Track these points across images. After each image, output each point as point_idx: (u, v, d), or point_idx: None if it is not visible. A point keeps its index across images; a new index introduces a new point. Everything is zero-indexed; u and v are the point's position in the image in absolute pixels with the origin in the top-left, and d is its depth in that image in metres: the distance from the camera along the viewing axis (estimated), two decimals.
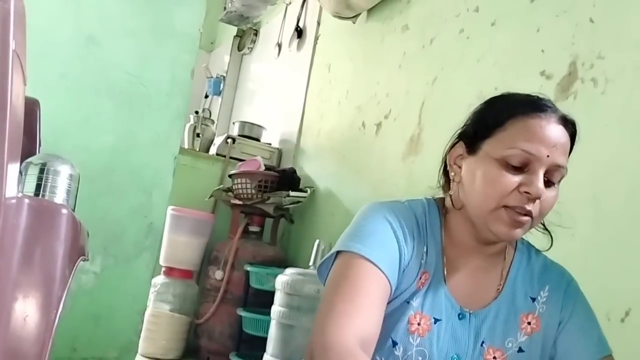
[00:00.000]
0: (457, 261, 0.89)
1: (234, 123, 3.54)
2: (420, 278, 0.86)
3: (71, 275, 0.84)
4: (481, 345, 0.85)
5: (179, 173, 2.78)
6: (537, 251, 0.96)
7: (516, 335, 0.87)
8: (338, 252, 0.84)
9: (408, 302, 0.85)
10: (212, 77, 4.22)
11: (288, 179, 2.83)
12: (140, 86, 1.81)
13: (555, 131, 0.82)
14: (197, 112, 3.65)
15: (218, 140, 3.24)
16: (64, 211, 0.83)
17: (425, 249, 0.88)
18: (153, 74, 1.82)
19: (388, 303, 0.83)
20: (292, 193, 2.75)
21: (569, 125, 0.85)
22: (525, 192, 0.80)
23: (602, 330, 0.91)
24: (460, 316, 0.86)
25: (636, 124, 1.40)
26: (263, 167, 2.89)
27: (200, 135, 3.35)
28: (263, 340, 2.26)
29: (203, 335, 2.72)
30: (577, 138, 0.86)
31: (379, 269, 0.80)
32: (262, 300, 2.44)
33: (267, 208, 2.75)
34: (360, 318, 0.76)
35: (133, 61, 1.82)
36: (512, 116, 0.84)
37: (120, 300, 1.75)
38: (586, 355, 0.86)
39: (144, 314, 1.82)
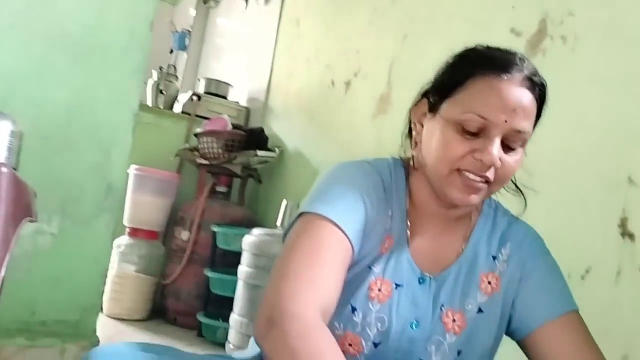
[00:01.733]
0: (420, 225, 0.87)
1: (199, 80, 3.44)
2: (384, 243, 0.83)
3: (15, 236, 0.79)
4: (440, 308, 0.83)
5: (141, 131, 2.69)
6: (505, 212, 0.93)
7: (476, 296, 0.85)
8: (301, 214, 0.81)
9: (370, 268, 0.82)
10: (176, 31, 4.07)
11: (256, 139, 2.77)
12: (96, 38, 1.71)
13: (517, 94, 0.76)
14: (161, 68, 3.53)
15: (183, 98, 3.14)
16: (4, 170, 0.78)
17: (390, 213, 0.85)
18: (109, 26, 1.72)
19: (350, 268, 0.80)
20: (259, 153, 2.70)
21: (536, 86, 0.79)
22: (479, 159, 0.77)
23: (568, 285, 0.89)
24: (421, 280, 0.84)
25: (604, 81, 1.38)
26: (230, 126, 2.82)
27: (164, 92, 3.24)
28: (230, 300, 2.26)
29: (170, 296, 2.70)
30: (547, 96, 0.81)
31: (343, 231, 0.77)
32: (229, 261, 2.42)
33: (235, 168, 2.70)
34: (322, 284, 0.72)
35: (88, 12, 1.71)
36: (471, 75, 0.78)
37: (80, 262, 1.70)
38: (546, 310, 0.83)
39: (105, 275, 1.77)
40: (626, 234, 1.27)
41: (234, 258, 2.29)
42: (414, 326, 0.82)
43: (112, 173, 1.75)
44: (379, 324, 0.81)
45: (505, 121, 0.76)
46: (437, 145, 0.79)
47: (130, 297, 2.65)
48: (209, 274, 2.47)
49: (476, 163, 0.77)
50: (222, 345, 2.28)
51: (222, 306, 2.40)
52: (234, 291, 2.24)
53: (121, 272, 2.66)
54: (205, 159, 2.75)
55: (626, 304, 1.23)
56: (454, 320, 0.83)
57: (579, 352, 0.81)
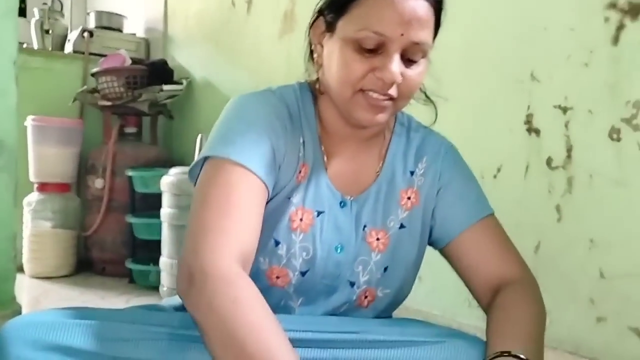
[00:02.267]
0: (335, 149, 0.85)
1: (89, 14, 3.15)
2: (300, 172, 0.81)
3: None
4: (363, 229, 0.83)
5: (30, 78, 2.47)
6: (418, 124, 0.92)
7: (397, 213, 0.85)
8: (206, 158, 0.76)
9: (289, 199, 0.80)
10: None
11: (159, 72, 2.60)
12: None
13: (411, 5, 0.72)
14: (45, 4, 3.19)
15: (73, 36, 2.87)
16: None
17: (302, 140, 0.82)
18: None
19: (267, 202, 0.78)
20: (165, 87, 2.55)
21: None
22: (380, 78, 0.74)
23: (482, 191, 0.90)
24: (342, 204, 0.83)
25: None
26: (129, 61, 2.63)
27: (50, 31, 2.94)
28: (157, 244, 2.20)
29: (94, 247, 2.61)
30: (443, 6, 0.78)
31: (253, 172, 0.74)
32: (151, 204, 2.34)
33: (141, 106, 2.54)
34: (237, 232, 0.70)
35: None
36: None
37: None
38: (463, 218, 0.85)
39: (14, 238, 1.65)
40: (532, 130, 1.31)
41: (155, 200, 2.22)
42: (338, 250, 0.82)
43: (0, 129, 1.59)
44: (304, 253, 0.80)
45: (402, 35, 0.72)
46: (337, 67, 0.76)
47: (51, 254, 2.54)
48: (131, 220, 2.39)
49: (378, 82, 0.74)
50: (155, 288, 2.24)
51: (150, 250, 2.34)
52: (159, 234, 2.19)
53: (36, 230, 2.52)
54: (108, 100, 2.57)
55: (535, 196, 1.30)
56: (377, 239, 0.84)
57: (493, 254, 0.84)
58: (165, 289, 2.15)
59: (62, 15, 3.13)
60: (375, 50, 0.74)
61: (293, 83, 0.87)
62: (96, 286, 2.43)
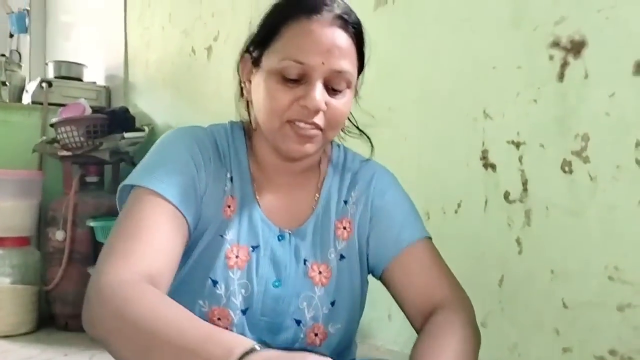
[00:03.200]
0: (268, 183, 0.85)
1: (48, 64, 3.13)
2: (229, 206, 0.81)
3: None
4: (304, 263, 0.82)
5: None
6: (355, 156, 0.93)
7: (335, 244, 0.85)
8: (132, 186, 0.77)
9: (222, 236, 0.79)
10: (12, 12, 3.65)
11: (120, 120, 2.59)
12: None
13: (329, 34, 0.75)
14: (3, 56, 3.16)
15: (31, 87, 2.84)
16: None
17: (228, 175, 0.82)
18: None
19: (198, 238, 0.78)
20: (127, 135, 2.54)
21: (349, 24, 0.77)
22: (304, 106, 0.75)
23: (419, 215, 0.89)
24: (280, 237, 0.82)
25: (449, 21, 1.42)
26: (89, 110, 2.61)
27: (7, 83, 2.91)
28: None
29: (56, 302, 2.52)
30: (365, 37, 0.80)
31: (167, 199, 0.74)
32: None
33: (102, 155, 2.51)
34: (143, 254, 0.69)
35: None
36: (284, 22, 0.77)
37: None
38: (394, 243, 0.84)
39: None
40: (488, 165, 1.34)
41: None
42: (276, 284, 0.80)
43: None
44: (243, 290, 0.79)
45: (323, 63, 0.74)
46: (264, 99, 0.77)
47: (11, 311, 2.44)
48: (93, 271, 2.32)
49: (302, 110, 0.76)
50: None
51: None
52: None
53: None
54: (68, 149, 2.53)
55: (495, 229, 1.31)
56: (320, 272, 0.83)
57: (423, 278, 0.83)
58: None
59: (20, 67, 3.11)
60: (298, 81, 0.76)
61: (225, 122, 0.88)
62: (59, 343, 2.33)
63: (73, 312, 2.46)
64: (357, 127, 0.90)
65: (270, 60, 0.77)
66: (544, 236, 1.22)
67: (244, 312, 0.78)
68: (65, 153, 2.54)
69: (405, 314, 0.86)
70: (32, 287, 2.50)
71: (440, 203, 1.44)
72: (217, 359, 0.53)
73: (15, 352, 2.22)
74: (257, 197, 0.83)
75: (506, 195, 1.30)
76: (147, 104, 2.77)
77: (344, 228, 0.86)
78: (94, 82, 3.04)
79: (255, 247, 0.81)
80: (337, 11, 0.76)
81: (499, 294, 1.30)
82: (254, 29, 0.82)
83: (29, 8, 3.67)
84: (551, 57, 1.21)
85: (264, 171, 0.85)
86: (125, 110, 2.66)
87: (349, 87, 0.78)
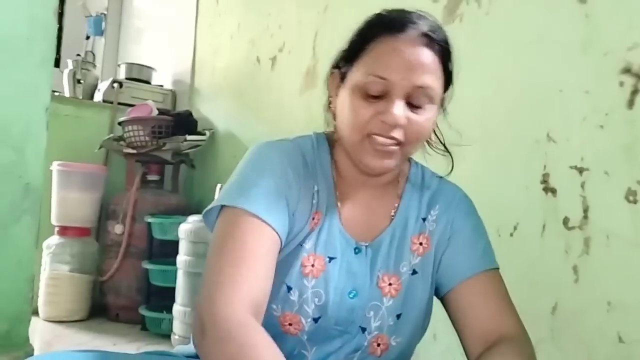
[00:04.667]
0: (349, 196, 0.87)
1: (120, 65, 3.29)
2: (313, 219, 0.83)
3: None
4: (377, 274, 0.84)
5: (60, 124, 2.57)
6: (433, 174, 0.94)
7: (409, 259, 0.86)
8: (223, 206, 0.79)
9: (301, 245, 0.82)
10: (91, 15, 3.85)
11: (184, 123, 2.69)
12: None
13: (413, 52, 0.76)
14: (79, 55, 3.34)
15: (103, 86, 2.99)
16: None
17: (316, 189, 0.84)
18: (7, 16, 1.59)
19: (281, 250, 0.79)
20: (189, 137, 2.63)
21: (436, 42, 0.78)
22: (383, 120, 0.77)
23: (492, 245, 0.90)
24: (357, 250, 0.84)
25: (515, 43, 1.41)
26: (156, 112, 2.72)
27: (82, 81, 3.07)
28: (172, 291, 2.21)
29: (109, 293, 2.62)
30: (451, 52, 0.81)
31: (267, 223, 0.76)
32: (167, 251, 2.36)
33: (164, 155, 2.61)
34: (250, 281, 0.72)
35: None
36: (371, 39, 0.79)
37: (2, 270, 1.60)
38: (467, 267, 0.85)
39: (32, 280, 1.68)
40: (548, 189, 1.31)
41: (172, 247, 2.24)
42: (352, 295, 0.82)
43: (28, 172, 1.64)
44: (316, 299, 0.80)
45: (404, 79, 0.76)
46: (347, 113, 0.79)
47: (67, 298, 2.56)
48: (148, 266, 2.41)
49: (382, 125, 0.77)
50: (167, 336, 2.23)
51: (164, 297, 2.35)
52: (174, 281, 2.20)
53: (54, 273, 2.55)
54: (133, 148, 2.64)
55: (552, 256, 1.28)
56: (390, 284, 0.84)
57: (491, 308, 0.83)
58: (177, 337, 2.14)
59: (94, 66, 3.27)
60: (380, 97, 0.77)
61: (310, 134, 0.91)
62: (109, 332, 2.42)
63: (125, 304, 2.56)
64: (444, 145, 0.90)
65: (355, 76, 0.79)
66: (603, 266, 1.19)
67: (315, 320, 0.80)
68: (129, 151, 2.65)
69: (461, 338, 0.85)
70: (89, 277, 2.61)
71: (495, 224, 1.42)
72: None
73: (69, 337, 2.33)
74: (339, 209, 0.85)
75: (565, 221, 1.26)
76: (210, 109, 2.86)
77: (420, 244, 0.87)
78: (161, 86, 3.16)
79: (332, 259, 0.82)
80: (423, 29, 0.78)
81: (551, 322, 1.27)
82: (344, 45, 0.84)
83: (106, 12, 3.87)
84: (621, 84, 1.18)
85: (346, 183, 0.87)
86: (189, 114, 2.76)
87: (431, 102, 0.79)
